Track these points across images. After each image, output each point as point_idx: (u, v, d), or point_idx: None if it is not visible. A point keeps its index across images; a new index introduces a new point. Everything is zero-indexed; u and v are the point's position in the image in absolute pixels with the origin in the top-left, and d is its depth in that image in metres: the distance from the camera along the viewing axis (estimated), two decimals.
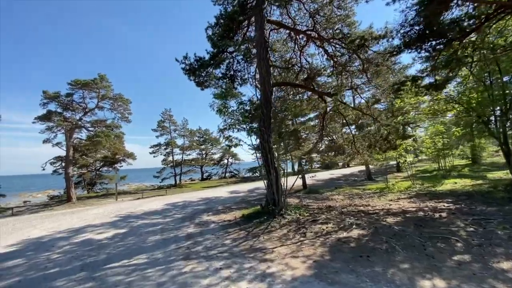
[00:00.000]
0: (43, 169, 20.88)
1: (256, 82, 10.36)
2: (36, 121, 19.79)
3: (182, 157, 32.50)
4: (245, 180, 31.02)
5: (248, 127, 8.70)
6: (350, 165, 39.64)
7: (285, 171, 9.54)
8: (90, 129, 21.41)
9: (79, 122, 20.00)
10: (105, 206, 14.37)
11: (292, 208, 8.81)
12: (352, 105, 14.27)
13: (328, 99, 11.78)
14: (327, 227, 6.64)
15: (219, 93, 8.57)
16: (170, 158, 30.68)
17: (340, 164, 39.04)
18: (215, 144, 38.37)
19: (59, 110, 20.22)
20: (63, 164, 23.54)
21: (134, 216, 10.26)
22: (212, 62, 9.62)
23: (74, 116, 20.94)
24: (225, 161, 39.88)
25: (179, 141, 31.83)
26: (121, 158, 24.46)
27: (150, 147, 30.16)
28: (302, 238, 5.91)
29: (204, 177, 37.05)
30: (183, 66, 9.62)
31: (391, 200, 10.28)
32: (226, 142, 9.16)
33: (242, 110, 8.60)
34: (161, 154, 30.98)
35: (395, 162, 24.75)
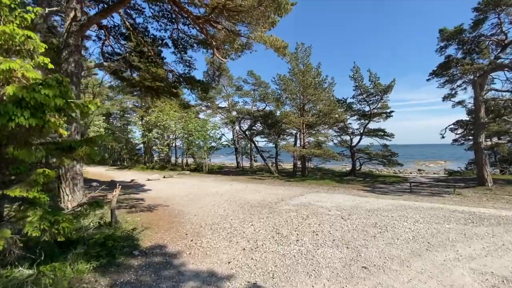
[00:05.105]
0: (442, 137, 16.55)
1: None
2: (430, 77, 16.10)
3: None
4: None
5: None
6: None
7: None
8: None
9: (497, 61, 12.57)
10: None
11: None
12: None
13: None
14: None
15: None
16: None
17: None
18: None
19: (459, 55, 14.63)
20: (465, 131, 17.86)
21: None
22: None
23: (482, 61, 14.17)
24: None
25: None
26: None
27: None
28: None
29: None
30: None
31: None
32: None
33: None
34: None
35: None
